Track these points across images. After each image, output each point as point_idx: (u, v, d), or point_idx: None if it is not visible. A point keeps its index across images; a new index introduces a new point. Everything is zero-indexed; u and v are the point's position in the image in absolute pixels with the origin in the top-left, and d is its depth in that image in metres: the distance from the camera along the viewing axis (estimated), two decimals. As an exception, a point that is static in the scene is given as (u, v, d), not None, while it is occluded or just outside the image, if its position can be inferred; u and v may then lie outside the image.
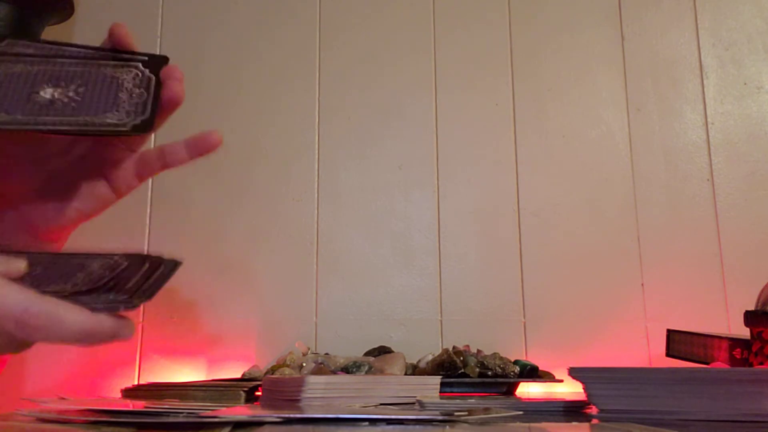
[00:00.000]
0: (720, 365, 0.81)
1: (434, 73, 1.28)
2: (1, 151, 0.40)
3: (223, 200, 1.23)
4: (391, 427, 0.53)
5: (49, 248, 0.43)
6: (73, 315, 0.31)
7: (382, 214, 1.23)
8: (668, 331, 1.01)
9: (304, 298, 1.19)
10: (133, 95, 0.40)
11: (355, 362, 0.97)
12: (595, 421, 0.62)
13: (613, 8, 1.30)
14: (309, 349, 1.11)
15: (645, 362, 1.14)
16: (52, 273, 0.34)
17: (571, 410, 0.70)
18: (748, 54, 1.27)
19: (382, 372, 0.95)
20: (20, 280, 0.33)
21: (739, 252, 1.18)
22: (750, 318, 0.80)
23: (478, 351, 1.02)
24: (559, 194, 1.22)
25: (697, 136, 1.24)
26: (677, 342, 0.98)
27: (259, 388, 0.84)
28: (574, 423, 0.62)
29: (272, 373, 0.96)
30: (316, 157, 1.25)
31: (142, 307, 1.17)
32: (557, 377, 0.99)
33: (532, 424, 0.59)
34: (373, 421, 0.54)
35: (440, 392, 0.79)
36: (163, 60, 0.43)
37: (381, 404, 0.69)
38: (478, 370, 0.94)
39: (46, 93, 0.38)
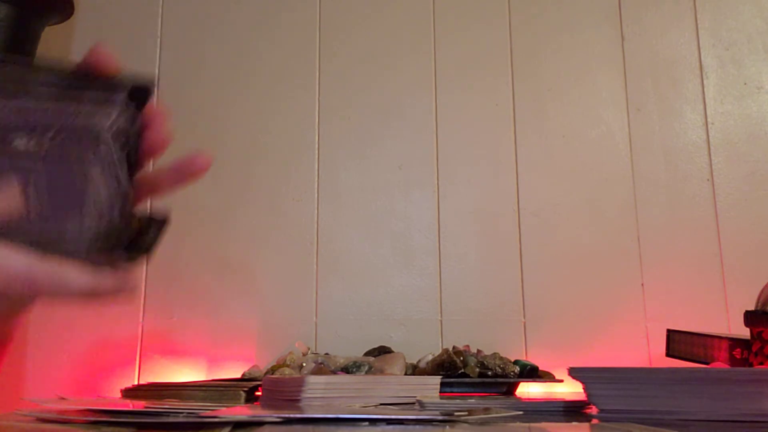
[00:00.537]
0: (720, 365, 0.81)
1: (434, 73, 1.28)
2: None
3: (223, 200, 1.23)
4: (391, 427, 0.53)
5: None
6: (75, 273, 0.33)
7: (382, 214, 1.23)
8: (668, 331, 1.01)
9: (304, 298, 1.19)
10: (112, 148, 0.35)
11: (355, 362, 0.97)
12: (595, 421, 0.62)
13: (613, 8, 1.30)
14: (309, 349, 1.11)
15: (645, 362, 1.14)
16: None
17: (571, 410, 0.70)
18: (748, 54, 1.27)
19: (382, 372, 0.95)
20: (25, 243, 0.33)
21: (739, 252, 1.18)
22: (750, 318, 0.80)
23: (478, 351, 1.02)
24: (559, 194, 1.22)
25: (697, 136, 1.24)
26: (677, 342, 0.98)
27: (259, 388, 0.84)
28: (574, 423, 0.62)
29: (272, 373, 0.96)
30: (316, 157, 1.25)
31: (142, 307, 1.17)
32: (557, 377, 0.99)
33: (532, 424, 0.59)
34: (373, 421, 0.54)
35: (440, 392, 0.79)
36: (146, 91, 0.36)
37: (381, 404, 0.69)
38: (478, 370, 0.94)
39: (21, 140, 0.33)
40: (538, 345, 1.16)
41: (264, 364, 1.09)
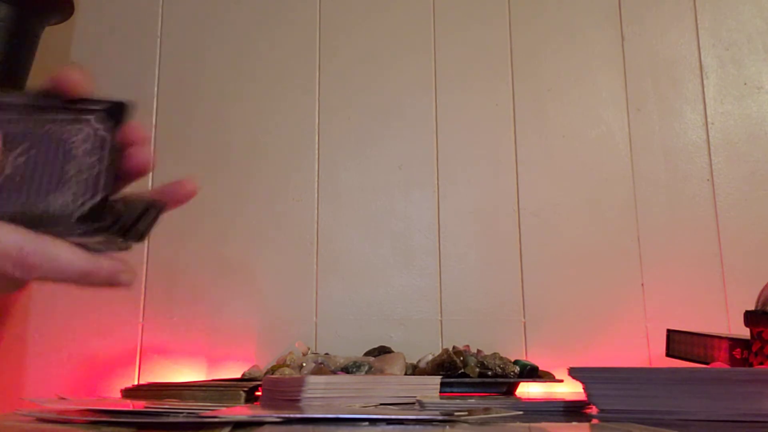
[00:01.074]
0: (720, 365, 0.81)
1: (434, 73, 1.28)
2: None
3: (223, 200, 1.23)
4: (391, 427, 0.53)
5: None
6: (68, 254, 0.31)
7: (382, 214, 1.23)
8: (668, 331, 1.01)
9: (304, 298, 1.19)
10: (83, 168, 0.33)
11: (355, 362, 0.97)
12: (595, 421, 0.62)
13: (613, 8, 1.30)
14: (309, 349, 1.11)
15: (645, 362, 1.14)
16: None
17: (571, 410, 0.70)
18: (748, 54, 1.27)
19: (382, 372, 0.95)
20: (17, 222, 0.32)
21: (739, 252, 1.18)
22: (750, 318, 0.80)
23: (478, 351, 1.02)
24: (559, 194, 1.22)
25: (697, 136, 1.24)
26: (677, 342, 0.98)
27: (259, 388, 0.84)
28: (574, 423, 0.62)
29: (272, 373, 0.96)
30: (316, 157, 1.25)
31: (142, 307, 1.17)
32: (557, 377, 0.99)
33: (532, 424, 0.59)
34: (373, 421, 0.54)
35: (440, 392, 0.79)
36: (121, 110, 0.34)
37: (381, 404, 0.69)
38: (478, 370, 0.94)
39: None
40: (538, 345, 1.16)
41: (264, 364, 1.09)
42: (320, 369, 0.96)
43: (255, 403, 0.80)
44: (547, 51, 1.29)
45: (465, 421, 0.55)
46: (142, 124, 0.36)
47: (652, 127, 1.25)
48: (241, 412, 0.57)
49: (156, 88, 1.27)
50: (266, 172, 1.25)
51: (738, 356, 0.81)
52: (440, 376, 0.81)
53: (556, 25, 1.29)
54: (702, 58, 1.27)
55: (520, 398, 0.90)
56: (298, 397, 0.67)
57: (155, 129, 1.24)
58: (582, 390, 0.66)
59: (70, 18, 1.12)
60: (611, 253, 1.19)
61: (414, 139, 1.26)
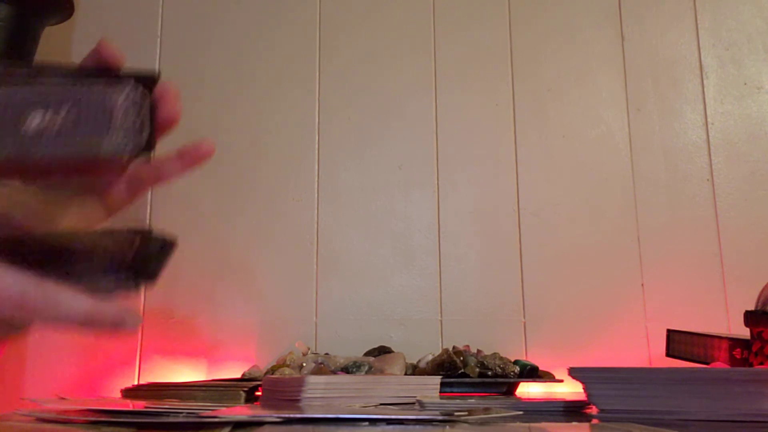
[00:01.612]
0: (720, 365, 0.81)
1: (434, 73, 1.28)
2: None
3: (223, 200, 1.23)
4: (391, 427, 0.53)
5: None
6: (72, 299, 0.31)
7: (382, 214, 1.23)
8: (668, 331, 1.01)
9: (304, 298, 1.19)
10: (128, 115, 0.36)
11: (355, 362, 0.97)
12: (595, 421, 0.62)
13: (613, 8, 1.30)
14: (309, 349, 1.11)
15: (645, 362, 1.14)
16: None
17: (571, 410, 0.70)
18: (748, 54, 1.27)
19: (382, 372, 0.95)
20: (19, 263, 0.31)
21: (739, 252, 1.18)
22: (750, 318, 0.80)
23: (478, 351, 1.02)
24: (559, 194, 1.22)
25: (697, 136, 1.24)
26: (677, 342, 0.98)
27: (259, 388, 0.84)
28: (574, 423, 0.62)
29: (272, 373, 0.96)
30: (316, 157, 1.25)
31: (142, 307, 1.17)
32: (557, 377, 0.99)
33: (532, 424, 0.59)
34: (373, 421, 0.54)
35: (440, 392, 0.79)
36: (154, 76, 0.39)
37: (381, 404, 0.69)
38: (478, 370, 0.94)
39: (35, 119, 0.34)
40: (538, 345, 1.16)
41: (264, 364, 1.09)
42: (320, 369, 0.96)
43: (255, 403, 0.80)
44: (547, 51, 1.29)
45: (465, 421, 0.55)
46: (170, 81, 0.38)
47: (652, 127, 1.25)
48: (241, 412, 0.57)
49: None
50: (266, 172, 1.25)
51: (738, 356, 0.81)
52: (440, 376, 0.81)
53: (556, 25, 1.29)
54: (702, 58, 1.27)
55: (520, 398, 0.91)
56: (298, 397, 0.67)
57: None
58: (582, 390, 0.66)
59: (70, 18, 1.12)
60: (611, 253, 1.19)
61: (414, 139, 1.26)
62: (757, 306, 0.82)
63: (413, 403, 0.71)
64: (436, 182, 1.24)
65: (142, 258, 0.35)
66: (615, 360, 1.14)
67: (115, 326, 0.33)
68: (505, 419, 0.59)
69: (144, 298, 1.18)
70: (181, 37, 1.31)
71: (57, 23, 1.12)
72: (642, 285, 1.18)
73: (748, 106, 1.25)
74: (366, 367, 0.96)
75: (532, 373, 0.97)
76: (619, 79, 1.27)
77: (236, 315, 1.18)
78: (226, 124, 1.26)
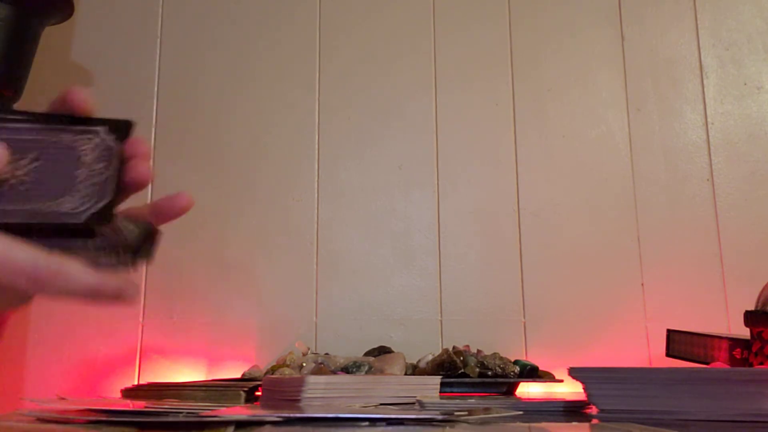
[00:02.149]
0: (720, 365, 0.81)
1: (434, 73, 1.28)
2: None
3: (224, 200, 1.23)
4: (391, 427, 0.53)
5: None
6: (79, 271, 0.32)
7: (382, 214, 1.23)
8: (668, 331, 1.01)
9: (304, 298, 1.19)
10: (93, 172, 0.34)
11: (355, 362, 0.97)
12: (595, 421, 0.62)
13: (613, 8, 1.30)
14: (309, 349, 1.11)
15: (645, 362, 1.14)
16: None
17: (571, 410, 0.70)
18: (748, 54, 1.27)
19: (382, 372, 0.95)
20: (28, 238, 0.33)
21: (739, 252, 1.18)
22: (750, 318, 0.80)
23: (478, 351, 1.02)
24: (559, 194, 1.22)
25: (697, 136, 1.24)
26: (677, 342, 0.98)
27: (259, 388, 0.84)
28: (574, 423, 0.62)
29: (272, 373, 0.96)
30: (316, 157, 1.25)
31: (142, 307, 1.17)
32: (557, 377, 0.99)
33: (532, 424, 0.59)
34: (373, 421, 0.54)
35: (440, 392, 0.79)
36: (127, 126, 0.36)
37: (381, 404, 0.69)
38: (478, 370, 0.93)
39: None
40: (538, 345, 1.16)
41: (264, 364, 1.09)
42: (320, 369, 0.96)
43: (255, 403, 0.80)
44: (547, 51, 1.29)
45: (465, 421, 0.55)
46: (144, 138, 0.37)
47: (652, 127, 1.25)
48: (241, 412, 0.57)
49: (156, 89, 1.27)
50: (266, 172, 1.25)
51: (738, 356, 0.81)
52: (440, 376, 0.81)
53: (556, 25, 1.29)
54: (702, 58, 1.27)
55: (520, 398, 0.90)
56: (298, 397, 0.67)
57: (155, 129, 1.24)
58: (582, 390, 0.66)
59: (70, 18, 1.12)
60: (611, 253, 1.19)
61: (414, 139, 1.26)
62: (757, 306, 0.82)
63: (413, 403, 0.71)
64: (436, 182, 1.24)
65: (143, 243, 0.36)
66: (615, 360, 1.14)
67: (117, 297, 0.34)
68: (505, 419, 0.59)
69: (144, 299, 1.18)
70: (181, 37, 1.31)
71: (57, 23, 1.12)
72: (642, 285, 1.18)
73: (748, 106, 1.25)
74: (366, 367, 0.96)
75: (532, 373, 0.97)
76: (619, 79, 1.27)
77: (236, 315, 1.18)
78: (226, 124, 1.26)
